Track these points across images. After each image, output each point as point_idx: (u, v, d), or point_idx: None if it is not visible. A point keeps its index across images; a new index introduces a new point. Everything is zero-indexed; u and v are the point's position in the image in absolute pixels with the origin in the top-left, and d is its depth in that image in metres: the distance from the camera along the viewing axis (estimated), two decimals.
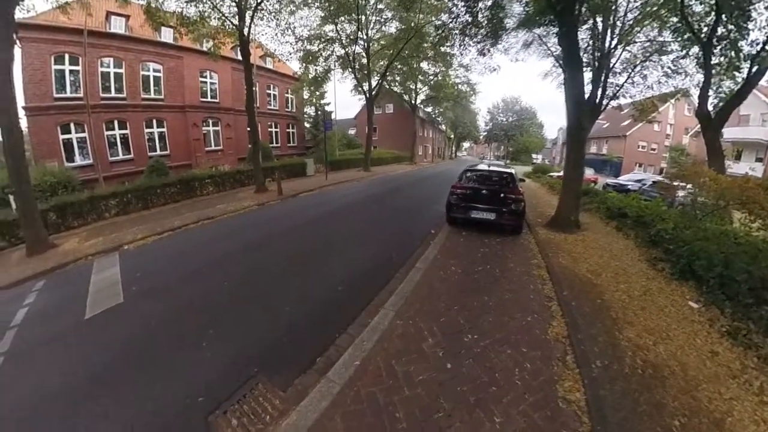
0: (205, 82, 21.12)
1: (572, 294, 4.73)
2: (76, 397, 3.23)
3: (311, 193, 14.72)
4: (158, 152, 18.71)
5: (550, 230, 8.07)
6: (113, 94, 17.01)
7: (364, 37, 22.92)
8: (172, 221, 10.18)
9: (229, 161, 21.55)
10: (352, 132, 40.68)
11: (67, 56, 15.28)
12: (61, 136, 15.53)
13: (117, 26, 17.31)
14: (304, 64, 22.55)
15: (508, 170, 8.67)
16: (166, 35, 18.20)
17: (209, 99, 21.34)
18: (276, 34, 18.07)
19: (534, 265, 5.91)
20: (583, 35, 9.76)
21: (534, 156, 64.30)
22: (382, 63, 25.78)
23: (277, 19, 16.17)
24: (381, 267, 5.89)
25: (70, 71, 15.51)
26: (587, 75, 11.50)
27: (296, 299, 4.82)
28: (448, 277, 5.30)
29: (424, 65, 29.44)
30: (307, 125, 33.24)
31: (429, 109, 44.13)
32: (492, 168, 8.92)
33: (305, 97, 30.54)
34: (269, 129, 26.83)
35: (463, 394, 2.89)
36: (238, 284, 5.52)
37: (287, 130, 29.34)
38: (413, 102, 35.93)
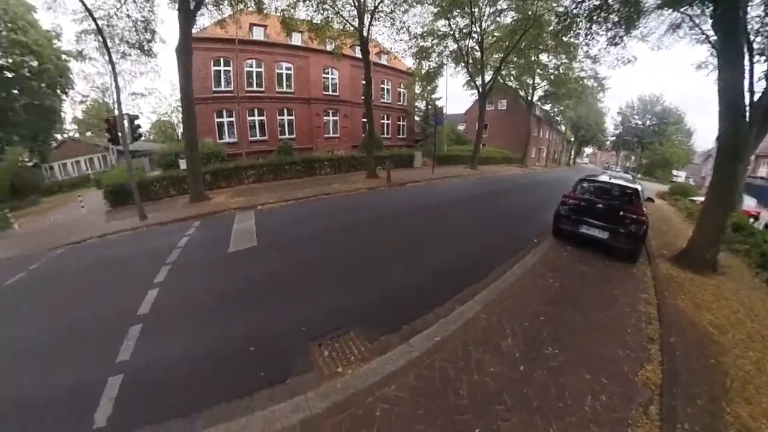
0: (327, 78, 24.37)
1: (682, 343, 4.10)
2: (212, 304, 4.76)
3: (417, 184, 15.51)
4: (286, 136, 22.81)
5: (675, 265, 6.76)
6: (255, 88, 21.53)
7: (478, 30, 22.13)
8: (296, 193, 12.11)
9: (344, 147, 24.20)
10: (461, 128, 39.78)
11: (222, 60, 20.27)
12: (216, 120, 20.56)
13: (258, 34, 21.81)
14: (417, 60, 22.99)
15: (633, 185, 7.51)
16: (296, 39, 21.75)
17: (330, 92, 24.55)
18: (392, 33, 18.64)
19: (643, 300, 5.22)
20: (757, 11, 7.80)
21: (675, 173, 50.03)
22: (496, 56, 24.42)
23: (392, 19, 17.16)
24: (478, 263, 6.10)
25: (224, 71, 20.43)
26: (760, 67, 9.04)
27: (395, 274, 5.53)
28: (542, 287, 5.21)
29: (543, 57, 26.60)
30: (417, 119, 34.05)
31: (547, 107, 40.22)
32: (614, 181, 7.91)
33: (417, 91, 31.08)
34: (382, 121, 28.82)
35: (528, 397, 3.00)
36: (348, 251, 6.64)
37: (398, 122, 31.03)
38: (529, 98, 33.21)
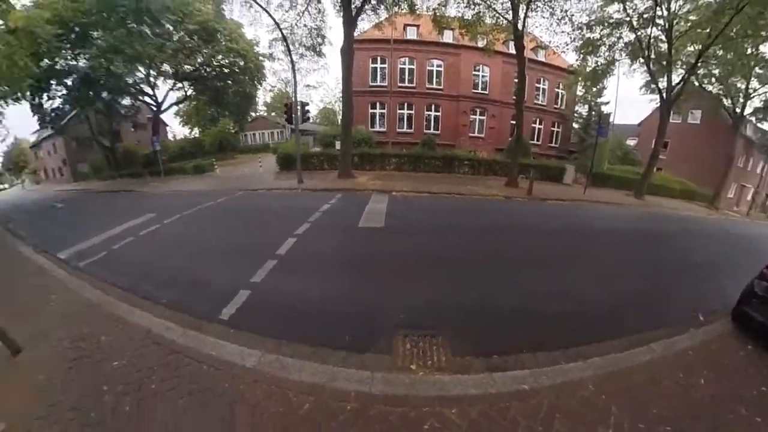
0: (477, 75, 23.75)
1: None
2: (333, 263, 5.69)
3: (562, 204, 13.08)
4: (431, 131, 23.39)
5: None
6: (406, 84, 23.22)
7: (664, 13, 16.15)
8: (430, 186, 12.25)
9: (487, 149, 23.24)
10: (631, 143, 32.80)
11: (378, 58, 22.76)
12: (370, 110, 23.34)
13: (411, 34, 23.24)
14: (581, 55, 18.24)
15: None
16: (448, 36, 21.71)
17: (479, 90, 23.90)
18: (551, 24, 15.62)
19: None
20: None
21: None
22: (690, 49, 17.67)
23: (552, 8, 14.75)
24: (607, 318, 4.53)
25: (380, 68, 22.98)
26: None
27: (509, 295, 4.86)
28: (684, 386, 3.24)
29: (766, 49, 17.83)
30: (575, 126, 29.72)
31: (767, 127, 27.41)
32: None
33: (578, 93, 26.55)
34: (532, 125, 25.93)
35: None
36: (468, 256, 6.26)
37: (552, 128, 27.65)
38: (738, 110, 22.98)
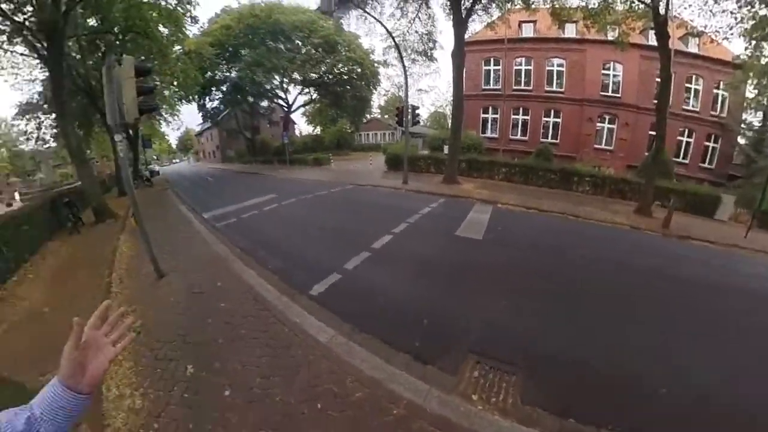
0: (608, 75, 19.28)
1: None
2: (423, 266, 5.43)
3: (709, 247, 8.64)
4: (548, 139, 20.14)
5: None
6: (522, 86, 20.53)
7: None
8: (541, 202, 10.89)
9: (616, 165, 18.96)
10: None
11: (492, 59, 20.85)
12: (482, 115, 21.55)
13: (527, 31, 20.57)
14: (752, 41, 12.66)
15: None
16: (570, 31, 18.45)
17: (609, 93, 19.38)
18: (706, 2, 11.09)
19: None
20: None
21: None
22: None
23: None
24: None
25: (494, 70, 21.05)
26: None
27: (630, 352, 3.48)
28: None
29: None
30: (741, 141, 20.28)
31: None
32: None
33: (748, 95, 19.00)
34: (679, 137, 19.42)
35: None
36: (571, 292, 4.80)
37: (706, 142, 19.86)
38: None
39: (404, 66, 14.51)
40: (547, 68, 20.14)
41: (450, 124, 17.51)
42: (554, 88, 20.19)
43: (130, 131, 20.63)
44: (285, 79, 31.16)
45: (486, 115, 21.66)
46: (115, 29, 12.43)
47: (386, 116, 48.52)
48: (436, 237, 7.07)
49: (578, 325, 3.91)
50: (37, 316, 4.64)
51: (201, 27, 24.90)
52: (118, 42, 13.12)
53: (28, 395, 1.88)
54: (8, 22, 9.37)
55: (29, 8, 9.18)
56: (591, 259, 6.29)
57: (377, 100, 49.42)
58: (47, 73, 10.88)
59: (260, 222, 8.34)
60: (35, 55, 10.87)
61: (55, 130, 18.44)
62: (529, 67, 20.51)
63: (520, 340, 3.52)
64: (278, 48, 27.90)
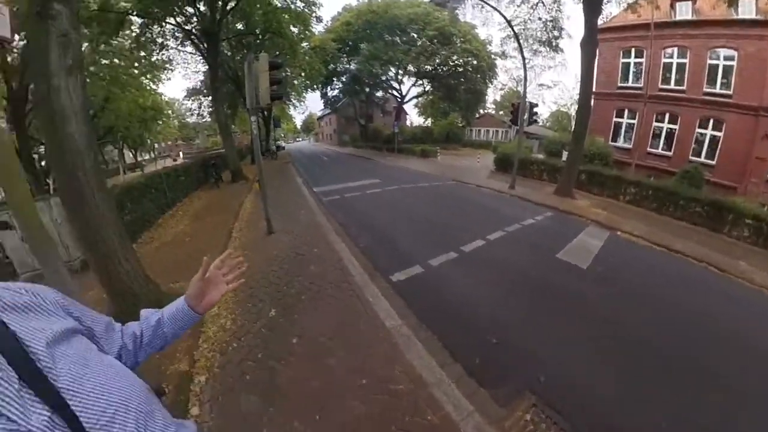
0: None
1: None
2: (510, 283, 4.91)
3: None
4: (700, 159, 15.40)
5: None
6: (671, 86, 15.70)
7: None
8: (674, 240, 8.73)
9: None
10: None
11: (633, 50, 16.53)
12: (614, 119, 17.61)
13: (683, 12, 15.39)
14: None
15: None
16: (748, 10, 13.33)
17: None
18: None
19: None
20: None
21: None
22: None
23: None
24: None
25: (634, 63, 16.68)
26: None
27: None
28: None
29: None
30: None
31: None
32: None
33: None
34: None
35: None
36: (688, 373, 3.68)
37: None
38: None
39: (524, 58, 12.74)
40: (709, 62, 14.86)
41: (573, 127, 14.77)
42: (717, 90, 14.83)
43: (265, 113, 25.25)
44: (400, 71, 32.40)
45: (620, 120, 17.45)
46: (257, 31, 15.69)
47: (501, 112, 45.36)
48: (532, 254, 6.21)
49: (669, 406, 2.96)
50: (179, 241, 6.52)
51: (325, 25, 28.37)
52: (258, 41, 16.42)
53: (163, 295, 3.37)
54: (181, 31, 13.84)
55: (195, 20, 13.22)
56: (724, 338, 4.13)
57: (492, 94, 47.02)
58: (207, 67, 14.88)
59: (361, 203, 9.04)
60: (199, 54, 14.97)
61: (210, 109, 25.42)
62: (682, 60, 15.44)
63: (593, 400, 2.88)
64: (394, 41, 29.34)
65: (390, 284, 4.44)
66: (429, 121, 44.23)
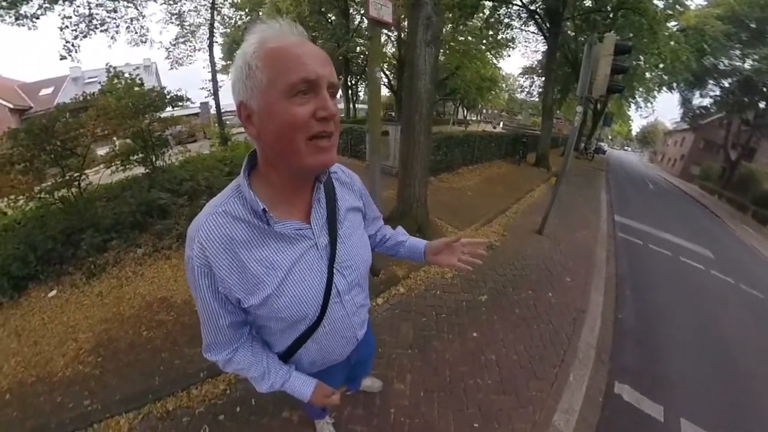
0: None
1: None
2: None
3: None
4: None
5: None
6: None
7: None
8: None
9: None
10: None
11: None
12: None
13: None
14: None
15: None
16: None
17: None
18: None
19: None
20: None
21: None
22: None
23: None
24: None
25: None
26: None
27: None
28: None
29: None
30: None
31: None
32: None
33: None
34: None
35: None
36: None
37: None
38: None
39: None
40: None
41: None
42: None
43: (597, 105, 21.29)
44: None
45: None
46: (608, 7, 12.59)
47: None
48: None
49: None
50: (462, 192, 7.51)
51: None
52: (607, 20, 13.16)
53: (425, 220, 4.89)
54: (526, 11, 13.46)
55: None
56: None
57: None
58: (546, 47, 13.65)
59: (664, 269, 5.67)
60: (540, 34, 13.87)
61: (540, 89, 22.93)
62: None
63: None
64: None
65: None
66: None
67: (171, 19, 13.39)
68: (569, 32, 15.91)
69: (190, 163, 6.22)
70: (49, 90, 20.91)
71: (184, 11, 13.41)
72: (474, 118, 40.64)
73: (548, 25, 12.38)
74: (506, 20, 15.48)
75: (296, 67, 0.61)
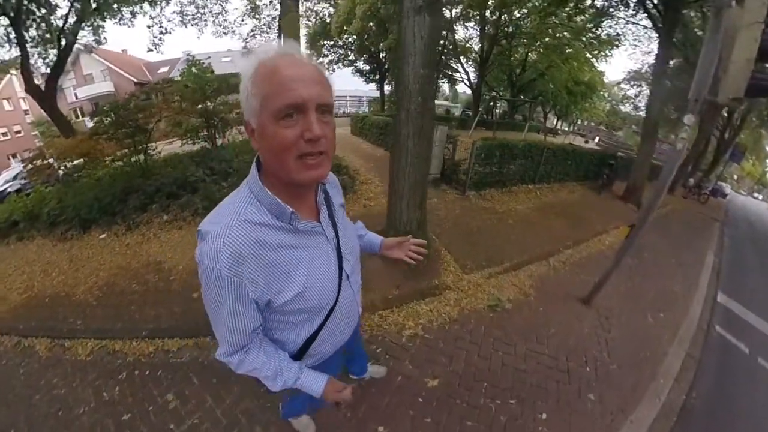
0: None
1: None
2: None
3: None
4: None
5: None
6: None
7: None
8: None
9: None
10: None
11: None
12: None
13: None
14: None
15: None
16: None
17: None
18: None
19: None
20: None
21: None
22: None
23: None
24: None
25: None
26: None
27: None
28: None
29: None
30: None
31: None
32: None
33: None
34: None
35: None
36: None
37: None
38: None
39: None
40: None
41: None
42: None
43: (726, 129, 16.02)
44: None
45: None
46: None
47: None
48: None
49: None
50: (502, 223, 5.79)
51: None
52: None
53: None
54: None
55: None
56: None
57: None
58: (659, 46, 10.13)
59: None
60: (653, 27, 10.21)
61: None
62: None
63: None
64: None
65: None
66: None
67: (249, 12, 14.44)
68: (694, 28, 11.38)
69: (239, 145, 7.06)
70: (166, 68, 25.80)
71: (259, 5, 14.30)
72: (566, 129, 35.77)
73: (661, 12, 9.08)
74: (607, 7, 11.89)
75: (283, 92, 0.67)
